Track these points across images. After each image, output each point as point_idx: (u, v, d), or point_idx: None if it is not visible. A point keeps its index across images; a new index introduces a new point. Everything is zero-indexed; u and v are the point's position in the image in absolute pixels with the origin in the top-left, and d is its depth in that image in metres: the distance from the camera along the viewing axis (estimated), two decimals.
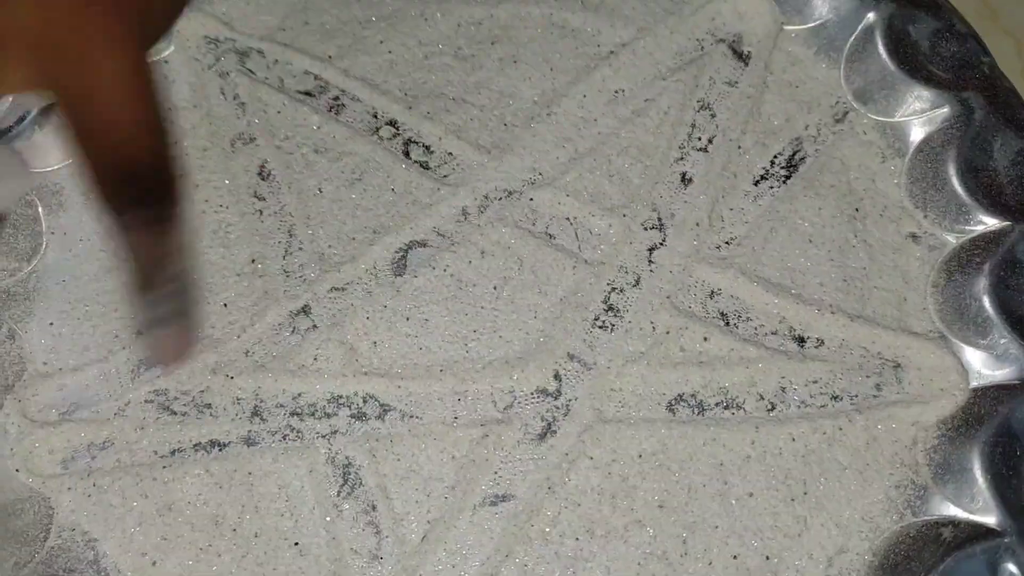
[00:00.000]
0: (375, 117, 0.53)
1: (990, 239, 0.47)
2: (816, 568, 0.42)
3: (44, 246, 0.49)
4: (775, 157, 0.51)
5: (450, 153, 0.51)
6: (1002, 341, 0.45)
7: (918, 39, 0.52)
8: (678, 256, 0.49)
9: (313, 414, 0.45)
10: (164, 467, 0.44)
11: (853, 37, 0.53)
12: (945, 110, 0.50)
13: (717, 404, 0.45)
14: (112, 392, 0.45)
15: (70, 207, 0.50)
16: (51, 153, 0.51)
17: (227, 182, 0.51)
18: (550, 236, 0.49)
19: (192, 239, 0.48)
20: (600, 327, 0.47)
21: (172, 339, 0.31)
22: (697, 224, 0.49)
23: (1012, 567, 0.40)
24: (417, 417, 0.45)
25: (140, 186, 0.27)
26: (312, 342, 0.47)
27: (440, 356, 0.46)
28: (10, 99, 0.49)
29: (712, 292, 0.48)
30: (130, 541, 0.43)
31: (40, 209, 0.50)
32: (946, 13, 0.52)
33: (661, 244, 0.49)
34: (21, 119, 0.50)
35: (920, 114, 0.51)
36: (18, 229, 0.49)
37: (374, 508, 0.43)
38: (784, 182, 0.51)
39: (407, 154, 0.52)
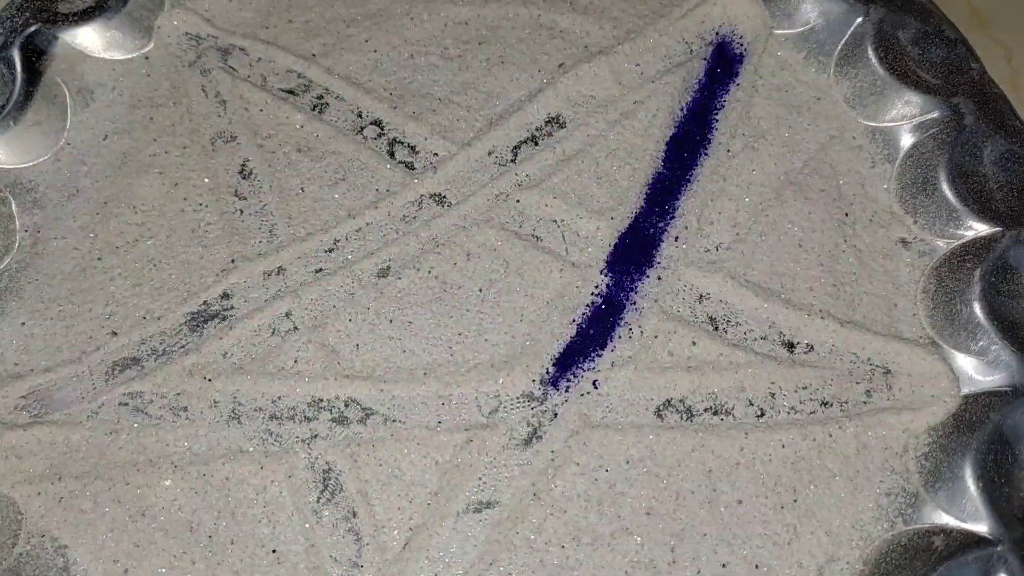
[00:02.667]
0: (359, 116, 0.52)
1: (981, 245, 0.46)
2: None
3: (17, 244, 0.48)
4: None
5: (435, 154, 0.51)
6: (993, 347, 0.44)
7: (907, 44, 0.52)
8: (666, 260, 0.48)
9: (293, 418, 0.44)
10: (137, 471, 0.43)
11: (843, 42, 0.53)
12: (935, 115, 0.50)
13: (706, 410, 0.45)
14: (85, 394, 0.44)
15: (45, 205, 0.49)
16: (27, 149, 0.50)
17: (207, 180, 0.50)
18: (537, 238, 0.49)
19: (171, 237, 0.48)
20: None
21: None
22: (686, 228, 0.49)
23: None
24: (400, 421, 0.44)
25: None
26: (292, 344, 0.45)
27: (424, 359, 0.45)
28: None
29: (701, 296, 0.47)
30: (101, 548, 0.41)
31: (14, 207, 0.48)
32: (935, 18, 0.52)
33: None
34: None
35: (910, 119, 0.51)
36: None
37: (354, 514, 0.42)
38: None
39: (392, 154, 0.51)
